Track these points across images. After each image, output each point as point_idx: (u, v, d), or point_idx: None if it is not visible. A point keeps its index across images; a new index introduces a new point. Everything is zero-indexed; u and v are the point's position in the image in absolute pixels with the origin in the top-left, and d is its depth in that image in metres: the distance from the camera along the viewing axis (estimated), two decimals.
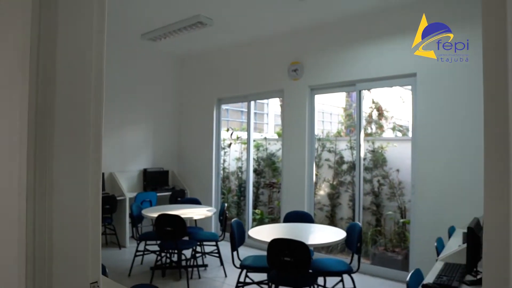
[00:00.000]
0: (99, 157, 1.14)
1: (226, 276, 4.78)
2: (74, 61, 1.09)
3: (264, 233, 3.84)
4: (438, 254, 2.88)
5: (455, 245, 3.15)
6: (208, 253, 5.20)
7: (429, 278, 2.30)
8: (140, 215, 4.87)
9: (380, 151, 6.31)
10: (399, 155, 6.22)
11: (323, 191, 6.86)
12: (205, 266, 5.08)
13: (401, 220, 5.64)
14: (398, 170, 6.16)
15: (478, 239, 2.19)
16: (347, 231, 3.81)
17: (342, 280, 3.92)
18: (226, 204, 5.06)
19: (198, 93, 7.06)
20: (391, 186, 6.14)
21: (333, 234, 3.75)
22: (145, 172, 6.71)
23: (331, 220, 6.70)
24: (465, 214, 3.97)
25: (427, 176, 4.44)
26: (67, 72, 1.08)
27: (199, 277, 4.71)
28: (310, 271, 3.30)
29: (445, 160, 4.31)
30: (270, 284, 3.67)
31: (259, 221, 6.95)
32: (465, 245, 2.72)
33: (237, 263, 3.79)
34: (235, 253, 3.81)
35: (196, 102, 7.10)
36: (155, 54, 7.04)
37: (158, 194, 6.45)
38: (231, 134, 7.60)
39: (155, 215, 4.35)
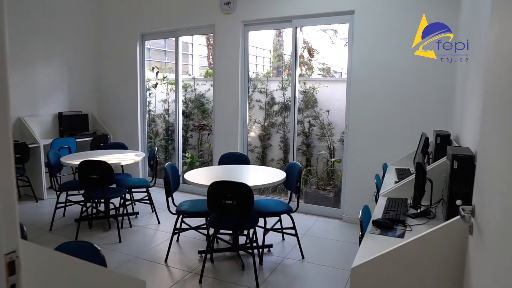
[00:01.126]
0: (5, 92, 0.81)
1: (159, 223, 4.57)
2: None
3: (201, 176, 3.65)
4: (378, 190, 2.94)
5: (391, 181, 3.24)
6: (138, 201, 4.90)
7: (377, 214, 2.30)
8: (58, 163, 4.36)
9: (311, 92, 6.30)
10: (330, 96, 6.27)
11: (254, 132, 6.78)
12: (136, 214, 4.80)
13: (333, 159, 5.80)
14: (328, 111, 6.24)
15: (425, 174, 2.20)
16: (286, 171, 3.76)
17: (280, 220, 3.94)
18: (156, 148, 4.72)
19: (119, 28, 6.31)
20: (322, 126, 6.24)
21: (273, 175, 3.67)
22: (60, 116, 6.01)
23: (262, 162, 6.71)
24: (395, 153, 4.14)
25: (360, 116, 4.49)
26: None
27: (130, 226, 4.44)
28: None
29: (379, 100, 4.37)
30: (209, 228, 3.55)
31: (190, 165, 6.73)
32: (404, 181, 2.78)
33: (173, 209, 3.58)
34: (170, 198, 3.59)
35: (117, 37, 6.36)
36: None
37: (78, 140, 5.86)
38: (157, 73, 7.04)
39: (77, 162, 3.91)
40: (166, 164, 3.57)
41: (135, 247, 3.89)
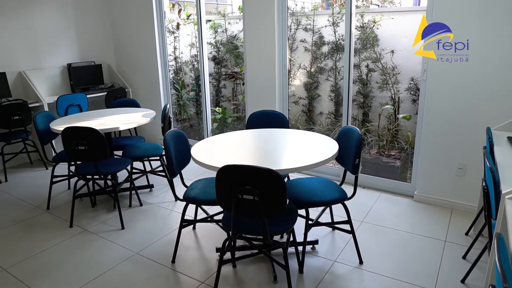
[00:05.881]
0: None
1: (176, 200, 3.67)
2: None
3: (215, 150, 2.60)
4: (496, 180, 1.73)
5: (509, 160, 2.01)
6: (150, 172, 4.00)
7: None
8: (49, 129, 3.49)
9: (371, 26, 4.88)
10: (394, 32, 4.83)
11: (299, 80, 5.55)
12: (151, 187, 3.93)
13: (401, 116, 4.48)
14: (392, 52, 4.83)
15: None
16: (339, 140, 2.61)
17: (330, 207, 2.86)
18: (168, 105, 3.70)
19: None
20: (384, 72, 4.87)
21: (320, 147, 2.53)
22: (69, 69, 5.14)
23: (309, 116, 5.55)
24: (498, 110, 2.83)
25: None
26: None
27: (140, 204, 3.58)
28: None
29: (472, 32, 2.97)
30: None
31: (221, 122, 5.71)
32: None
33: (182, 191, 2.62)
34: (177, 179, 2.61)
35: None
36: None
37: (90, 96, 4.99)
38: (179, 11, 5.88)
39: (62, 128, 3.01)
40: (166, 134, 2.54)
41: (140, 236, 3.02)
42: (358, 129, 2.49)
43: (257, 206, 1.94)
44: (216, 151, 2.58)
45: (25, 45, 4.79)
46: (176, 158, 2.56)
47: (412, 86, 4.59)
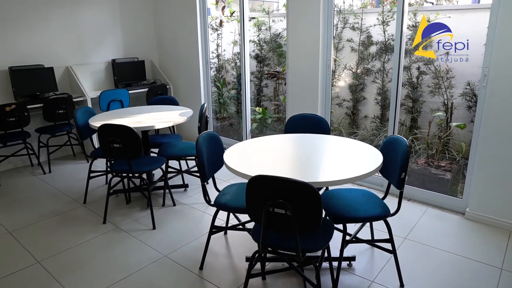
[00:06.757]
0: None
1: (210, 200, 3.57)
2: None
3: (249, 155, 2.47)
4: None
5: None
6: (185, 172, 3.93)
7: None
8: (88, 124, 3.51)
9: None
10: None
11: (344, 81, 5.31)
12: (185, 186, 3.88)
13: (454, 124, 4.13)
14: (447, 53, 4.47)
15: None
16: (384, 151, 2.39)
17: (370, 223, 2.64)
18: (206, 104, 3.61)
19: None
20: (437, 75, 4.52)
21: (362, 158, 2.33)
22: (113, 64, 5.21)
23: (353, 119, 5.29)
24: None
25: (508, 61, 2.81)
26: None
27: (174, 204, 3.53)
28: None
29: None
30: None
31: (261, 122, 5.57)
32: None
33: (215, 194, 2.53)
34: (210, 182, 2.52)
35: None
36: None
37: (131, 91, 5.03)
38: (223, 8, 5.80)
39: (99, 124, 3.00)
40: (199, 136, 2.44)
41: (170, 238, 2.95)
42: (405, 140, 2.26)
43: (289, 220, 1.79)
44: (250, 156, 2.44)
45: (73, 41, 4.90)
46: (209, 161, 2.46)
47: (468, 92, 4.22)
